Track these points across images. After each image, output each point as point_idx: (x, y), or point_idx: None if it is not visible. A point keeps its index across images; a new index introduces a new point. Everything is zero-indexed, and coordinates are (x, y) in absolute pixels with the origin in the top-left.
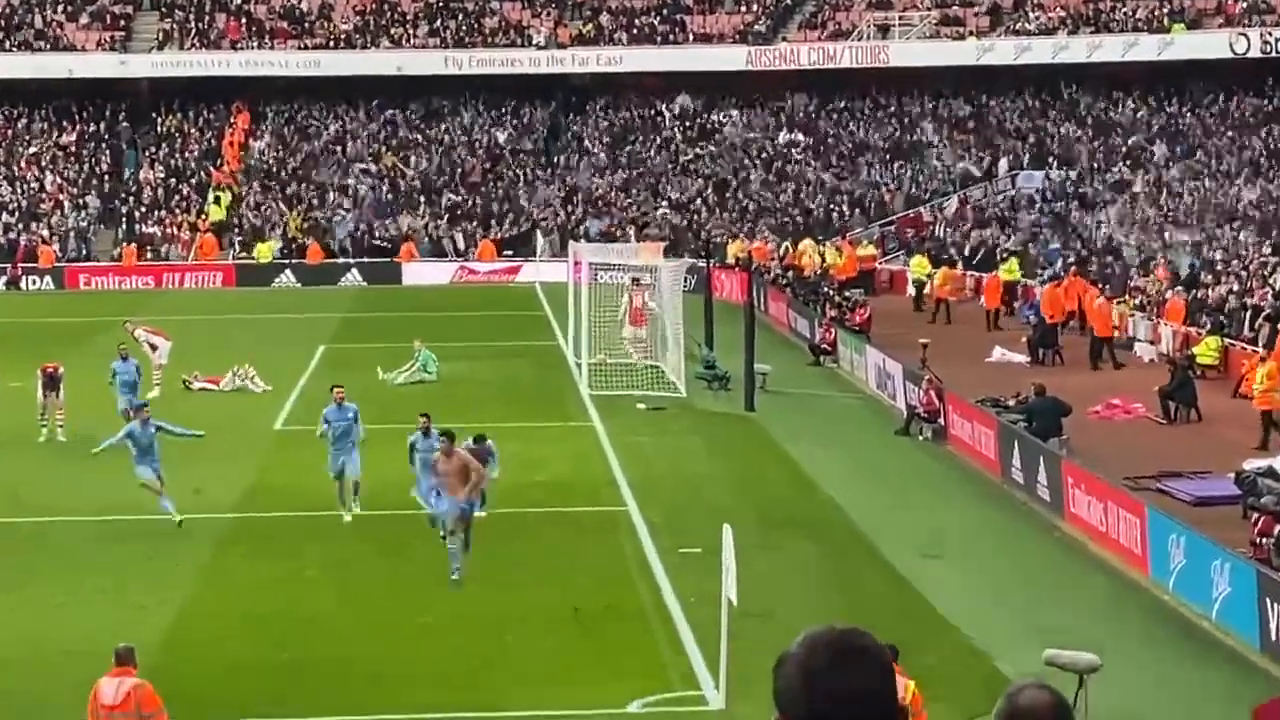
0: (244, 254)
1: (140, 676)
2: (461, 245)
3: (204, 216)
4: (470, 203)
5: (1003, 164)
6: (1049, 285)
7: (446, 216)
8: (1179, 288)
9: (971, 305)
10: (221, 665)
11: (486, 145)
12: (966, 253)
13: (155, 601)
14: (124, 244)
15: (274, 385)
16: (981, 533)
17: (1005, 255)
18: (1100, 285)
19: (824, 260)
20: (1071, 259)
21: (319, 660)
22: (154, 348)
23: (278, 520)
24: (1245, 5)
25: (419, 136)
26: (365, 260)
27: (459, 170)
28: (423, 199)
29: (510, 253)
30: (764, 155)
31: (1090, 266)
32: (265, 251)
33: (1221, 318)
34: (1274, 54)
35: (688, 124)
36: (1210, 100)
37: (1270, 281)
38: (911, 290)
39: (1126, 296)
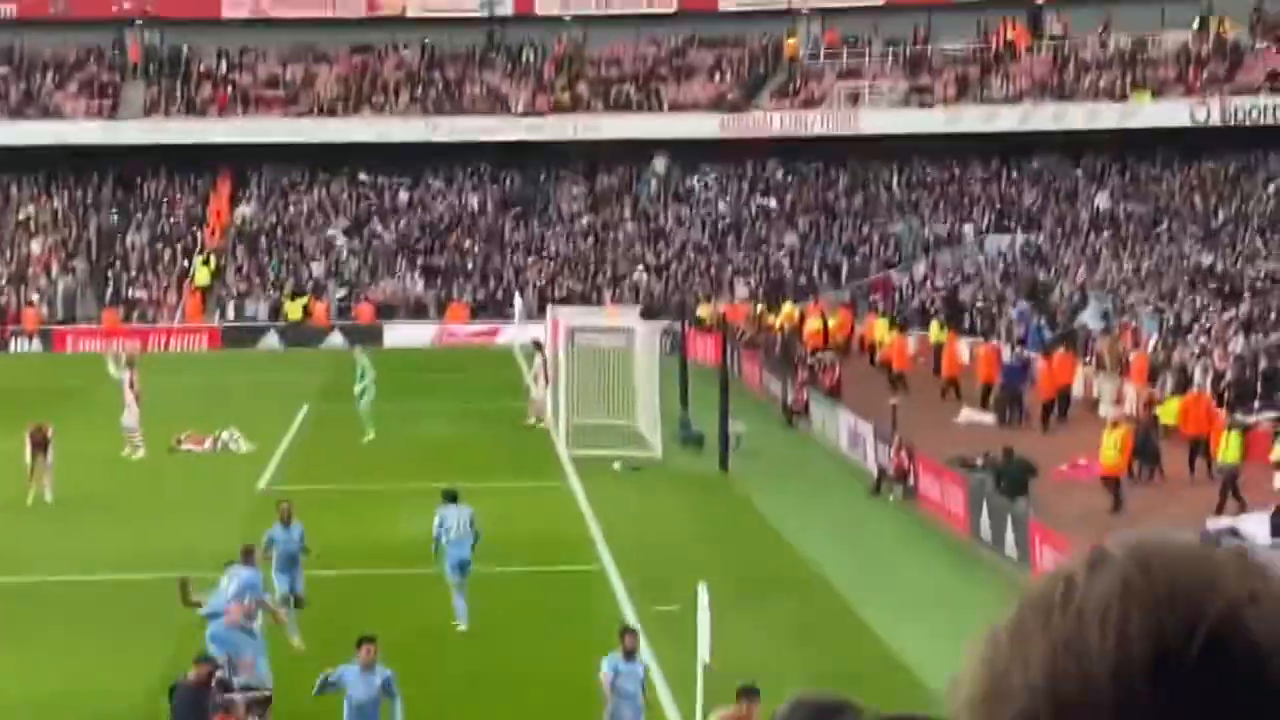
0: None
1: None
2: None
3: (190, 280)
4: (450, 266)
5: (970, 228)
6: (1041, 363)
7: (424, 280)
8: (1144, 349)
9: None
10: None
11: (467, 210)
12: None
13: (143, 660)
14: (107, 307)
15: (258, 445)
16: (951, 591)
17: (937, 314)
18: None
19: (803, 323)
20: (1058, 334)
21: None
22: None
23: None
24: (1206, 75)
25: (401, 201)
26: (347, 322)
27: (440, 234)
28: (404, 262)
29: (486, 310)
30: (737, 219)
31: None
32: (295, 310)
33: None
34: (1234, 122)
35: (663, 189)
36: (1172, 167)
37: (1230, 347)
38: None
39: (1089, 358)
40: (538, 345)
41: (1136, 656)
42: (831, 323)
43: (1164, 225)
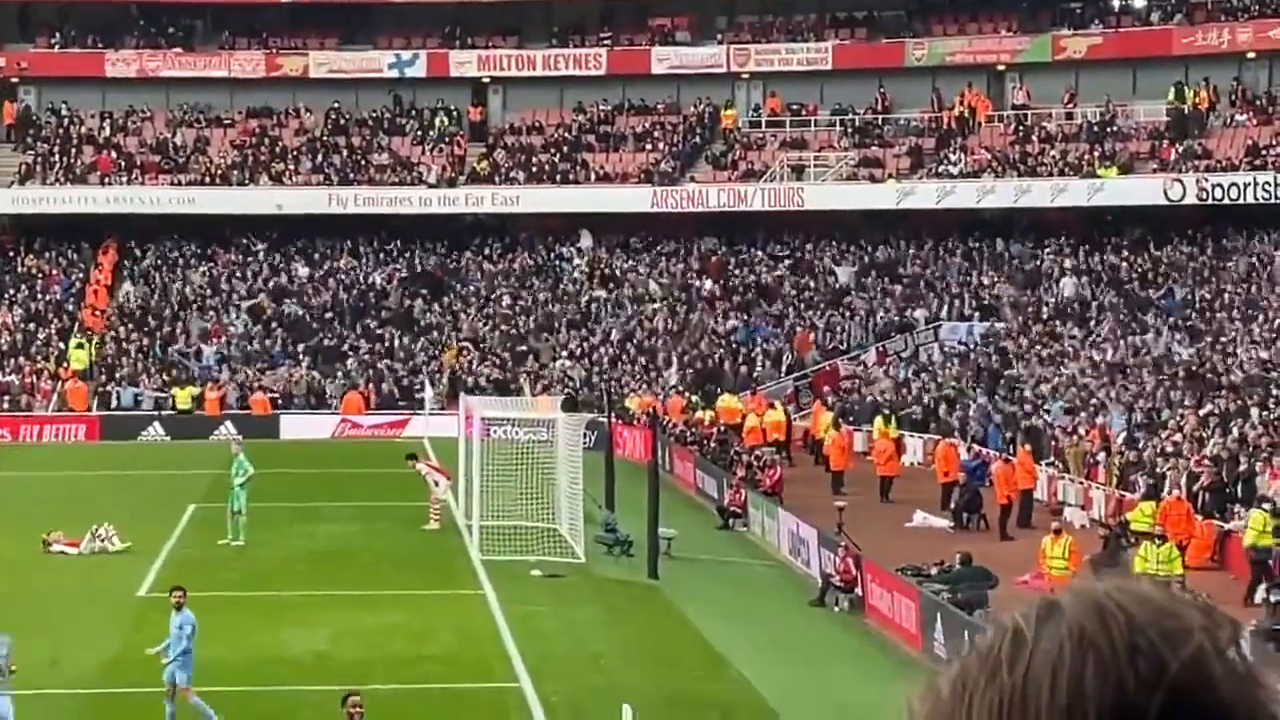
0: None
1: None
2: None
3: (65, 365)
4: (353, 350)
5: (923, 314)
6: (999, 464)
7: (324, 366)
8: (1112, 448)
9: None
10: None
11: (372, 288)
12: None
13: None
14: None
15: (140, 546)
16: (900, 712)
17: (887, 414)
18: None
19: (744, 419)
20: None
21: None
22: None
23: (141, 696)
24: (1180, 150)
25: (300, 278)
26: (239, 412)
27: (342, 315)
28: (301, 346)
29: (395, 399)
30: (670, 302)
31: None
32: (184, 398)
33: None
34: (1210, 201)
35: (588, 268)
36: (1143, 250)
37: (1206, 445)
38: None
39: (1053, 458)
40: (411, 458)
41: (1091, 712)
42: (772, 417)
43: (1134, 312)
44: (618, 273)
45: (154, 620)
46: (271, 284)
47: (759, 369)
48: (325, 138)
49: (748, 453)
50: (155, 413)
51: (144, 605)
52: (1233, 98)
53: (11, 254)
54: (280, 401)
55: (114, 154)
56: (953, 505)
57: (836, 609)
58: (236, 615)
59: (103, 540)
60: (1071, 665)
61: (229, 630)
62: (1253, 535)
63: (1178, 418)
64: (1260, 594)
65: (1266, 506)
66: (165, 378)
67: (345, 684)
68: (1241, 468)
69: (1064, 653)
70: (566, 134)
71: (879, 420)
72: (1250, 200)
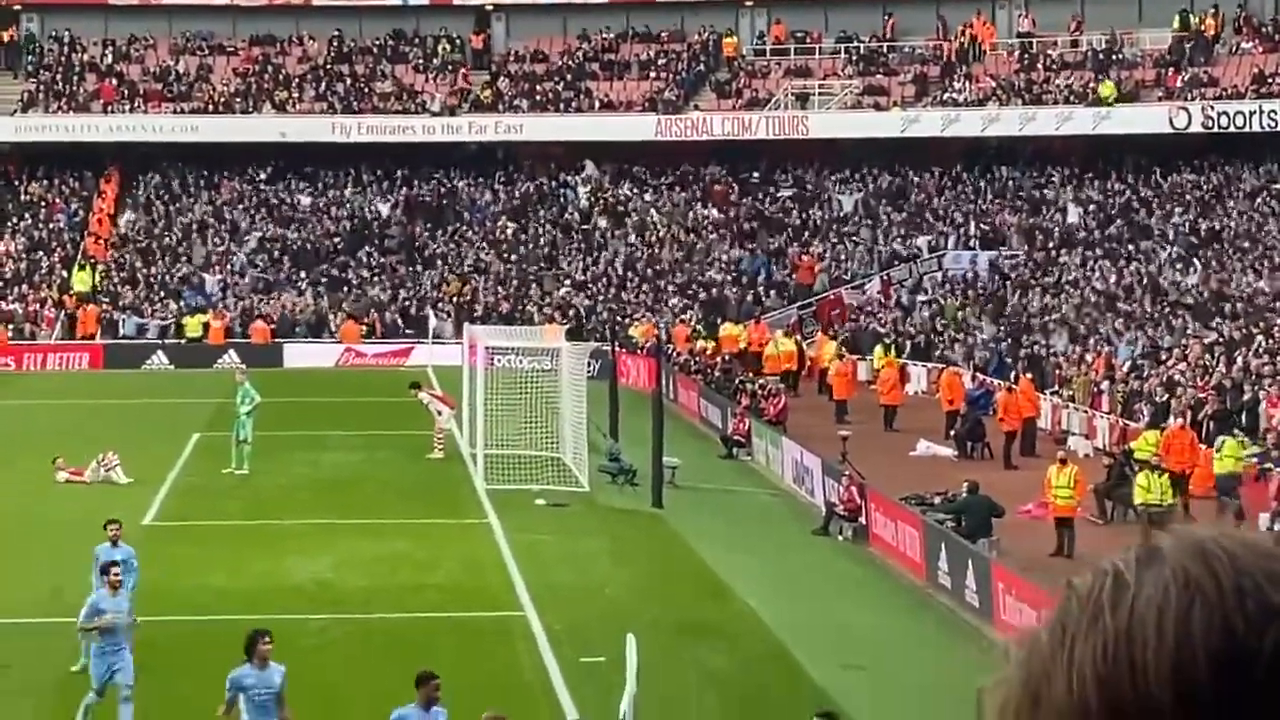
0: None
1: None
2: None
3: (70, 292)
4: (358, 279)
5: (928, 242)
6: (1003, 393)
7: (327, 295)
8: (1117, 376)
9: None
10: None
11: (376, 217)
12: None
13: (16, 710)
14: None
15: (144, 475)
16: (905, 641)
17: (888, 344)
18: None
19: (748, 347)
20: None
21: None
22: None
23: (145, 626)
24: (1187, 78)
25: (303, 207)
26: (242, 341)
27: (345, 244)
28: (305, 275)
29: (398, 329)
30: (674, 231)
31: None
32: (194, 326)
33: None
34: (1216, 129)
35: (592, 197)
36: (1148, 178)
37: (1214, 370)
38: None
39: (1057, 386)
40: (415, 387)
41: (1200, 654)
42: (785, 347)
43: (1139, 241)
44: (621, 201)
45: (159, 549)
46: (274, 213)
47: (763, 298)
48: (328, 65)
49: (751, 381)
50: (159, 341)
51: (148, 533)
52: (1239, 25)
53: (14, 182)
54: (281, 330)
55: (116, 82)
56: (953, 433)
57: (840, 538)
58: (240, 544)
59: (107, 469)
60: (1177, 608)
61: (232, 559)
62: (1228, 463)
63: (1182, 346)
64: (1264, 522)
65: (1238, 434)
66: (170, 306)
67: (350, 613)
68: (1245, 396)
69: (1169, 595)
70: (570, 61)
71: (880, 349)
72: (1256, 128)
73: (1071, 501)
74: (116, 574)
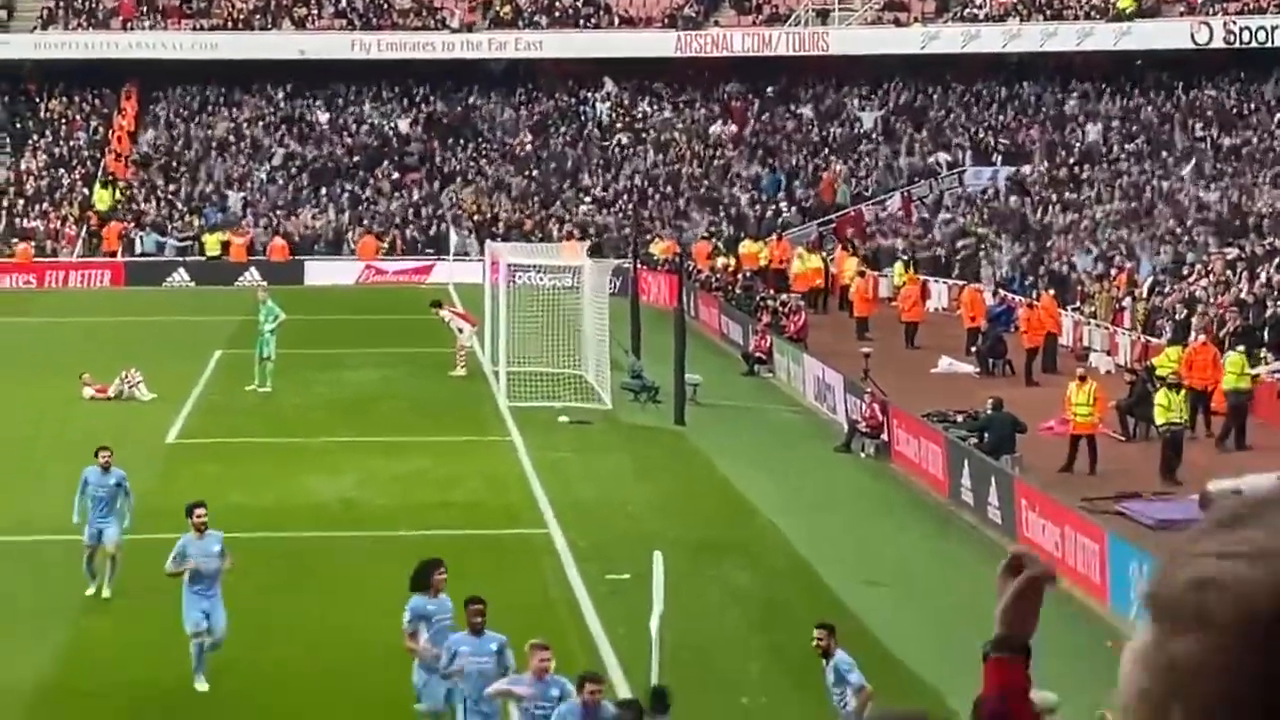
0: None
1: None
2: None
3: (91, 208)
4: (377, 197)
5: (948, 159)
6: (1024, 309)
7: (348, 213)
8: (1139, 293)
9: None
10: (118, 697)
11: (395, 135)
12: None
13: (40, 630)
14: (14, 241)
15: (167, 392)
16: (927, 558)
17: (903, 255)
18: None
19: (769, 264)
20: (1041, 279)
21: (218, 694)
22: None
23: (167, 544)
24: None
25: (322, 125)
26: (263, 259)
27: (364, 161)
28: (325, 192)
29: (418, 246)
30: (694, 148)
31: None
32: (214, 244)
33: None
34: (1238, 45)
35: (612, 114)
36: (1170, 93)
37: (1236, 286)
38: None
39: (1079, 303)
40: (435, 305)
41: None
42: (812, 264)
43: (1160, 157)
44: (641, 118)
45: (182, 467)
46: (294, 131)
47: (784, 214)
48: None
49: (773, 298)
50: (180, 259)
51: (172, 451)
52: None
53: (35, 99)
54: (302, 248)
55: None
56: (975, 350)
57: (863, 455)
58: (262, 462)
59: (131, 385)
60: None
61: (255, 476)
62: (1231, 379)
63: (1204, 262)
64: None
65: (1241, 349)
66: (190, 223)
67: (373, 531)
68: (1268, 312)
69: None
70: None
71: (900, 266)
72: (1278, 43)
73: (1091, 418)
74: (201, 515)
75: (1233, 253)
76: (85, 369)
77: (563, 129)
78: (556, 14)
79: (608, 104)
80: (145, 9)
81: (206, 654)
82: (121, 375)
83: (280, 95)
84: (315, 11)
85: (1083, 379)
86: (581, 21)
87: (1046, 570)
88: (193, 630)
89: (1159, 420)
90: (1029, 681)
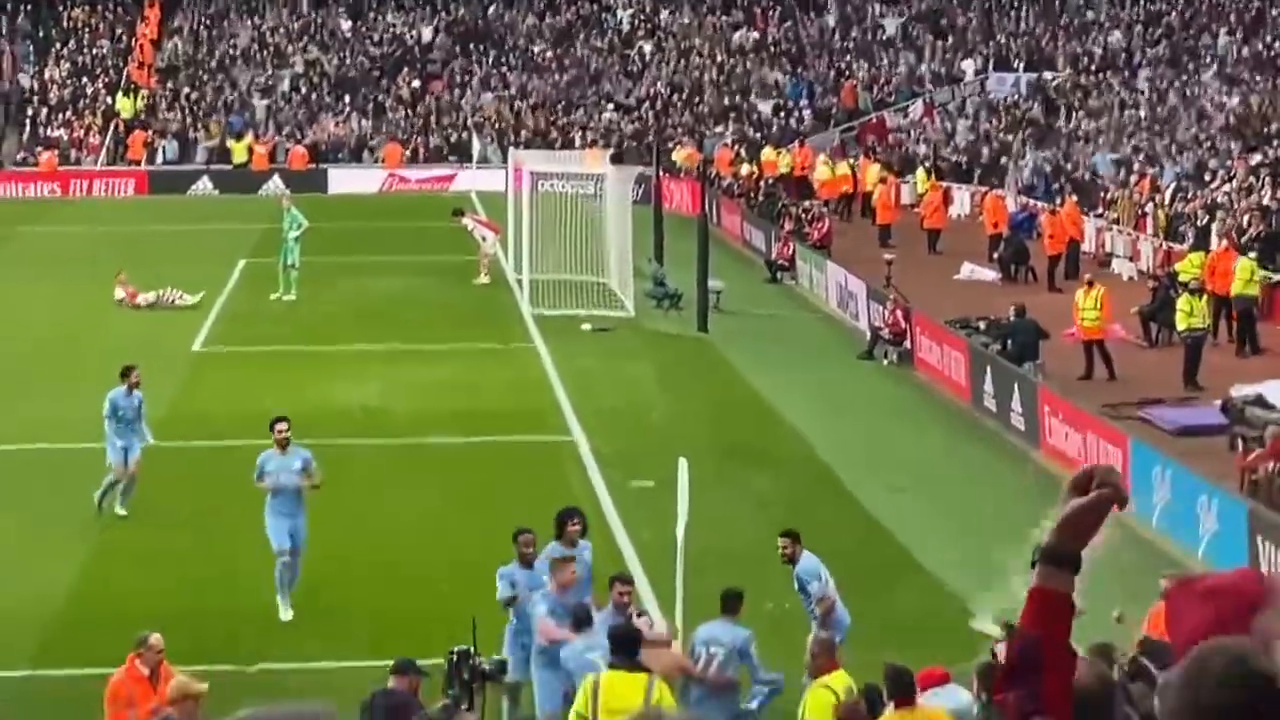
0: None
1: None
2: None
3: (117, 115)
4: (399, 105)
5: (970, 65)
6: (1046, 215)
7: (372, 121)
8: (1162, 199)
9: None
10: (137, 605)
11: (418, 43)
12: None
13: (63, 536)
14: (39, 150)
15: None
16: (950, 464)
17: (925, 161)
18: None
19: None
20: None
21: (238, 609)
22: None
23: (192, 450)
24: None
25: (345, 33)
26: (286, 167)
27: (387, 69)
28: (348, 100)
29: (441, 153)
30: (716, 55)
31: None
32: (240, 151)
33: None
34: None
35: (634, 21)
36: None
37: (1259, 192)
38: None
39: (1102, 209)
40: (458, 213)
41: None
42: (841, 170)
43: (1184, 63)
44: (663, 25)
45: (208, 374)
46: (315, 38)
47: (805, 121)
48: None
49: (795, 205)
50: (204, 167)
51: (198, 359)
52: None
53: (57, 8)
54: (324, 155)
55: None
56: (997, 257)
57: (885, 361)
58: (288, 369)
59: (171, 299)
60: None
61: (281, 384)
62: (1239, 284)
63: (1227, 168)
64: None
65: (1253, 255)
66: (214, 132)
67: (398, 439)
68: None
69: None
70: None
71: (922, 172)
72: None
73: (1098, 323)
74: (282, 430)
75: (1256, 158)
76: (124, 268)
77: (585, 36)
78: None
79: (629, 11)
80: None
81: (289, 578)
82: (160, 293)
83: (303, 3)
84: None
85: (1090, 284)
86: None
87: (1121, 494)
88: (276, 549)
89: (1180, 326)
90: (1071, 625)
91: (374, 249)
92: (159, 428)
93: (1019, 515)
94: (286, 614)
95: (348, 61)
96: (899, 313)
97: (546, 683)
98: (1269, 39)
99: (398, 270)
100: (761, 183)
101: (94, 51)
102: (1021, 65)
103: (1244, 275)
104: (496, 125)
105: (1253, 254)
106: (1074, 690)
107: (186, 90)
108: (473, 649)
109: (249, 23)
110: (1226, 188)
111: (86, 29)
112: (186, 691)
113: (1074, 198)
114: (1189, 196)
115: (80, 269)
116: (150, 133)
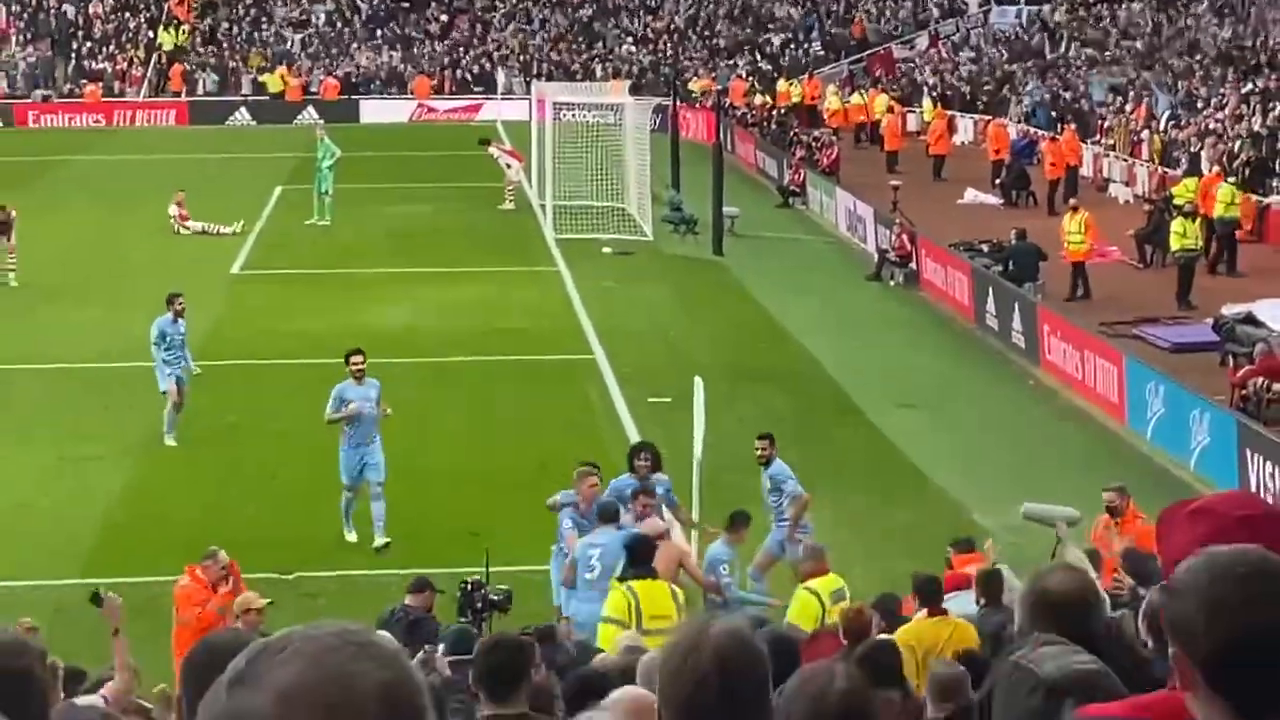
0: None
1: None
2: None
3: (158, 48)
4: (427, 38)
5: None
6: (1046, 142)
7: (401, 53)
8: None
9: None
10: (180, 519)
11: None
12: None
13: (111, 452)
14: (83, 82)
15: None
16: (955, 381)
17: (935, 96)
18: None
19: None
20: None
21: (274, 520)
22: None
23: (233, 369)
24: None
25: None
26: (319, 98)
27: (414, 2)
28: (380, 33)
29: (467, 85)
30: None
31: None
32: (275, 82)
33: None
34: None
35: None
36: None
37: (1249, 120)
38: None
39: (1099, 136)
40: (484, 142)
41: None
42: (855, 101)
43: None
44: None
45: (246, 296)
46: None
47: (815, 53)
48: None
49: (806, 134)
50: (241, 98)
51: (236, 282)
52: None
53: None
54: (356, 87)
55: None
56: (999, 182)
57: (892, 283)
58: (323, 291)
59: (217, 228)
60: None
61: (316, 305)
62: (1220, 208)
63: (1219, 96)
64: None
65: (1233, 180)
66: (251, 64)
67: (428, 357)
68: None
69: None
70: None
71: (928, 102)
72: None
73: (1083, 246)
74: (358, 363)
75: (1247, 87)
76: (176, 192)
77: None
78: None
79: None
80: None
81: (377, 511)
82: (206, 225)
83: None
84: None
85: (1075, 209)
86: None
87: None
88: (347, 482)
89: (1174, 247)
90: None
91: (404, 177)
92: (203, 347)
93: (1020, 430)
94: (351, 535)
95: None
96: (905, 236)
97: (573, 595)
98: None
99: (427, 197)
100: (774, 112)
101: None
102: None
103: (1225, 199)
104: (520, 58)
105: (1232, 179)
106: (1057, 597)
107: (225, 25)
108: (484, 579)
109: None
110: (1219, 115)
111: None
112: (250, 605)
113: (1073, 126)
114: (1182, 124)
115: (125, 197)
116: (189, 65)
